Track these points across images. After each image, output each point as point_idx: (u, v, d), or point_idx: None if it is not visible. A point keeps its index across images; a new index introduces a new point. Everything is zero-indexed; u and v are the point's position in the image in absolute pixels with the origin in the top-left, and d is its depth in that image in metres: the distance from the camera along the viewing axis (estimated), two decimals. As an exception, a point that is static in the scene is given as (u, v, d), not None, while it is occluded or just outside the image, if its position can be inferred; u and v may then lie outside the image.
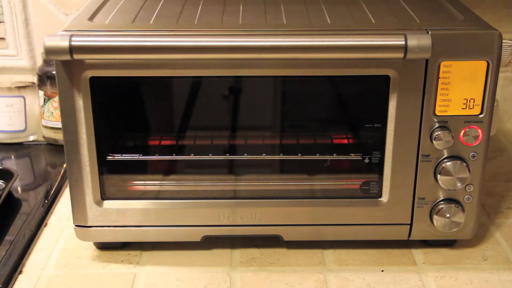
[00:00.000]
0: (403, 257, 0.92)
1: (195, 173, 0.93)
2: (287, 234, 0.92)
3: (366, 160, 0.89)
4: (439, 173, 0.86)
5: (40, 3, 1.24)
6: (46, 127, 1.24)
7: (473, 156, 0.86)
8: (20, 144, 1.26)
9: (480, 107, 0.84)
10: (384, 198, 0.89)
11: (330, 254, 0.93)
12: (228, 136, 0.90)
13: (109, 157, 0.88)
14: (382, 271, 0.90)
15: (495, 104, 0.85)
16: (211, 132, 0.92)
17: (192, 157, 0.90)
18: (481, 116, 0.84)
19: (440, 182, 0.87)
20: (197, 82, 0.87)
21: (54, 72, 0.97)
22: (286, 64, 0.83)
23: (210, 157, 0.90)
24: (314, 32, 0.81)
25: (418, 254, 0.93)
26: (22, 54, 1.28)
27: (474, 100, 0.83)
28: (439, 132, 0.84)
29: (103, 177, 0.88)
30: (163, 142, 0.91)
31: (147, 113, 0.90)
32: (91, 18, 0.87)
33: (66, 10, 1.24)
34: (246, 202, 0.90)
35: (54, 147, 1.24)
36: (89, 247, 0.94)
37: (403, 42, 0.78)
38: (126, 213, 0.90)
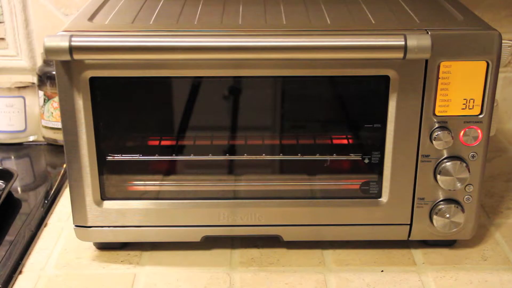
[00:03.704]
0: (402, 257, 0.92)
1: (195, 174, 0.93)
2: (287, 234, 0.92)
3: (366, 160, 0.89)
4: (439, 173, 0.86)
5: (40, 3, 1.24)
6: (46, 127, 1.24)
7: (473, 157, 0.86)
8: (20, 144, 1.26)
9: (479, 107, 0.84)
10: (384, 198, 0.89)
11: (330, 254, 0.93)
12: (228, 136, 0.90)
13: (109, 157, 0.89)
14: (382, 271, 0.90)
15: (495, 104, 0.85)
16: (211, 132, 0.92)
17: (192, 157, 0.90)
18: (480, 116, 0.84)
19: (440, 182, 0.87)
20: (197, 82, 0.87)
21: (54, 72, 0.97)
22: (286, 64, 0.83)
23: (210, 157, 0.90)
24: (314, 33, 0.81)
25: (418, 254, 0.93)
26: (22, 54, 1.28)
27: (473, 100, 0.83)
28: (439, 132, 0.84)
29: (103, 177, 0.88)
30: (163, 143, 0.91)
31: (147, 113, 0.90)
32: (91, 18, 0.87)
33: (66, 11, 1.24)
34: (246, 202, 0.90)
35: (54, 147, 1.24)
36: (89, 247, 0.94)
37: (403, 43, 0.78)
38: (126, 213, 0.90)
